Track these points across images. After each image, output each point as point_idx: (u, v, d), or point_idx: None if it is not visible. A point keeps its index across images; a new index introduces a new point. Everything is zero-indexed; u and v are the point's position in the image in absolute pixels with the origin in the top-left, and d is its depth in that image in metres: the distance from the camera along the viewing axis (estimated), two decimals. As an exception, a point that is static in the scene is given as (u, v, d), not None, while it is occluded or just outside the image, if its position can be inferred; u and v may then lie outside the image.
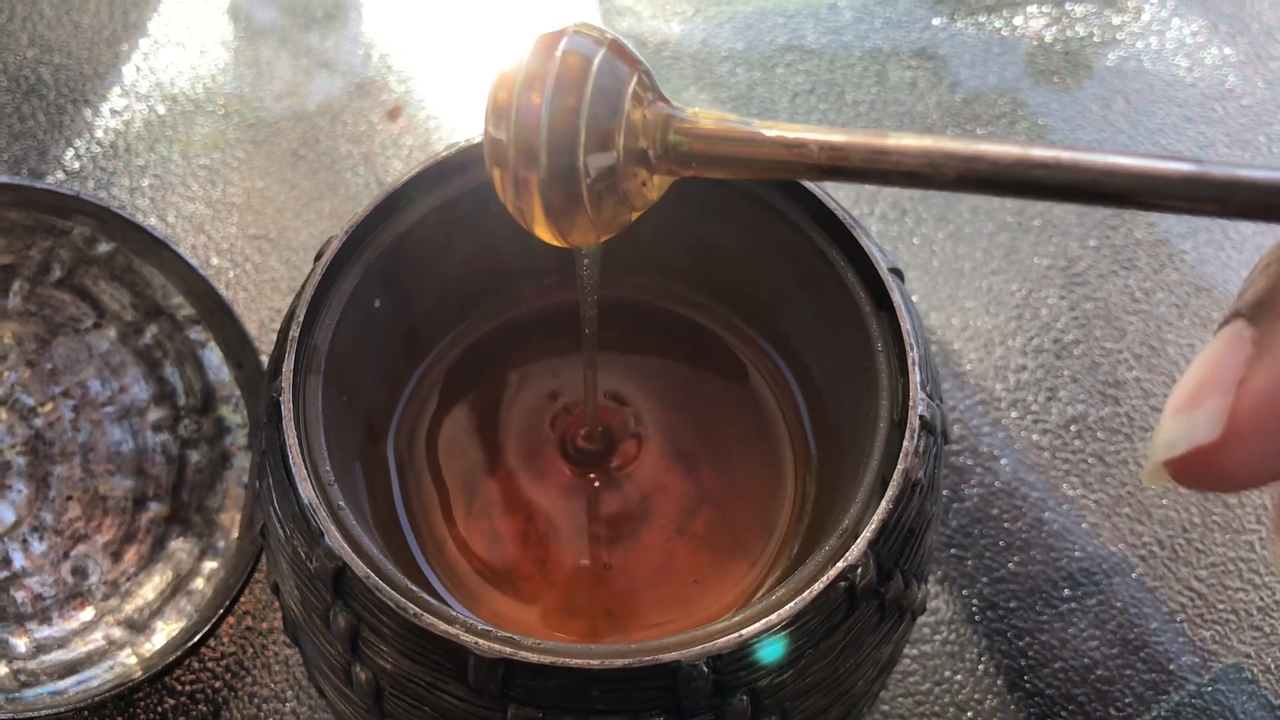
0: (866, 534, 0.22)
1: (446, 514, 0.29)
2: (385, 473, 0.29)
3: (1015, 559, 0.34)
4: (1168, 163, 0.17)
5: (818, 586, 0.22)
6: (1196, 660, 0.33)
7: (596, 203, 0.20)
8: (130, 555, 0.32)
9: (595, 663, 0.21)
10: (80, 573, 0.32)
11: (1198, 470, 0.16)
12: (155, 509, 0.33)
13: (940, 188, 0.18)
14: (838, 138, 0.19)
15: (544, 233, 0.21)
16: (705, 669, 0.21)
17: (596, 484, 0.29)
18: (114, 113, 0.42)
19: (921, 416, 0.24)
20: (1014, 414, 0.37)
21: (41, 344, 0.33)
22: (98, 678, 0.30)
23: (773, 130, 0.19)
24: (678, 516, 0.29)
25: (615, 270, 0.29)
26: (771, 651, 0.22)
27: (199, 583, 0.32)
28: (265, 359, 0.33)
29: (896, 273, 0.26)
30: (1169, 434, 0.16)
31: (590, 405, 0.29)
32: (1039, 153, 0.17)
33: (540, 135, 0.19)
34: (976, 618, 0.34)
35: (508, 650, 0.21)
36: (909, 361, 0.24)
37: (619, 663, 0.21)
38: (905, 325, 0.24)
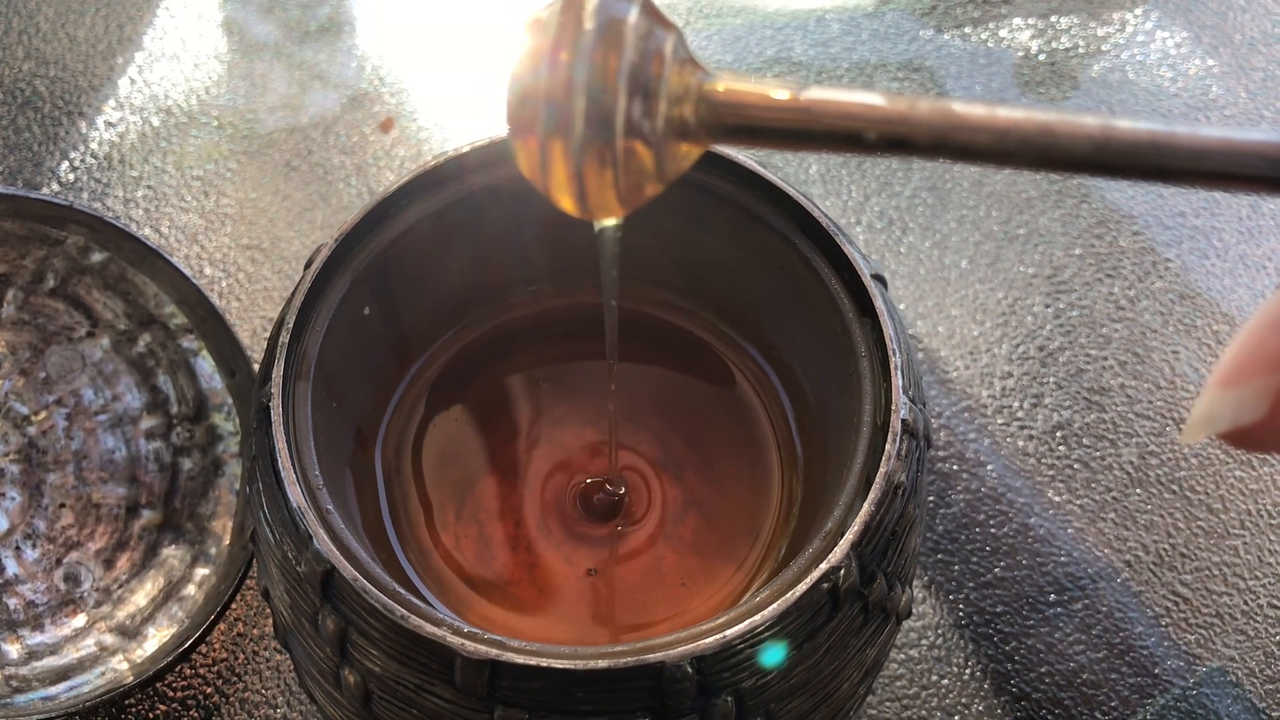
0: (849, 536, 0.23)
1: (435, 519, 0.29)
2: (374, 478, 0.29)
3: (1001, 564, 0.35)
4: (1259, 136, 0.15)
5: (801, 588, 0.22)
6: (1182, 664, 0.33)
7: (629, 173, 0.19)
8: (122, 562, 0.33)
9: (580, 664, 0.21)
10: (73, 579, 0.32)
11: (1237, 440, 0.16)
12: (148, 516, 0.33)
13: (1012, 168, 0.17)
14: (899, 111, 0.17)
15: (566, 203, 0.19)
16: (690, 670, 0.21)
17: (584, 490, 0.29)
18: (109, 125, 0.43)
19: (904, 420, 0.24)
20: (1000, 420, 0.37)
21: (35, 352, 0.33)
22: (89, 683, 0.30)
23: (825, 103, 0.17)
24: (666, 521, 0.29)
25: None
26: (761, 653, 0.22)
27: (191, 589, 0.32)
28: (258, 367, 0.34)
29: (879, 279, 0.26)
30: (1211, 408, 0.16)
31: (613, 459, 0.29)
32: (1120, 136, 0.16)
33: (574, 100, 0.18)
34: (963, 622, 0.34)
35: (494, 652, 0.21)
36: (891, 366, 0.24)
37: (604, 664, 0.21)
38: (888, 331, 0.25)
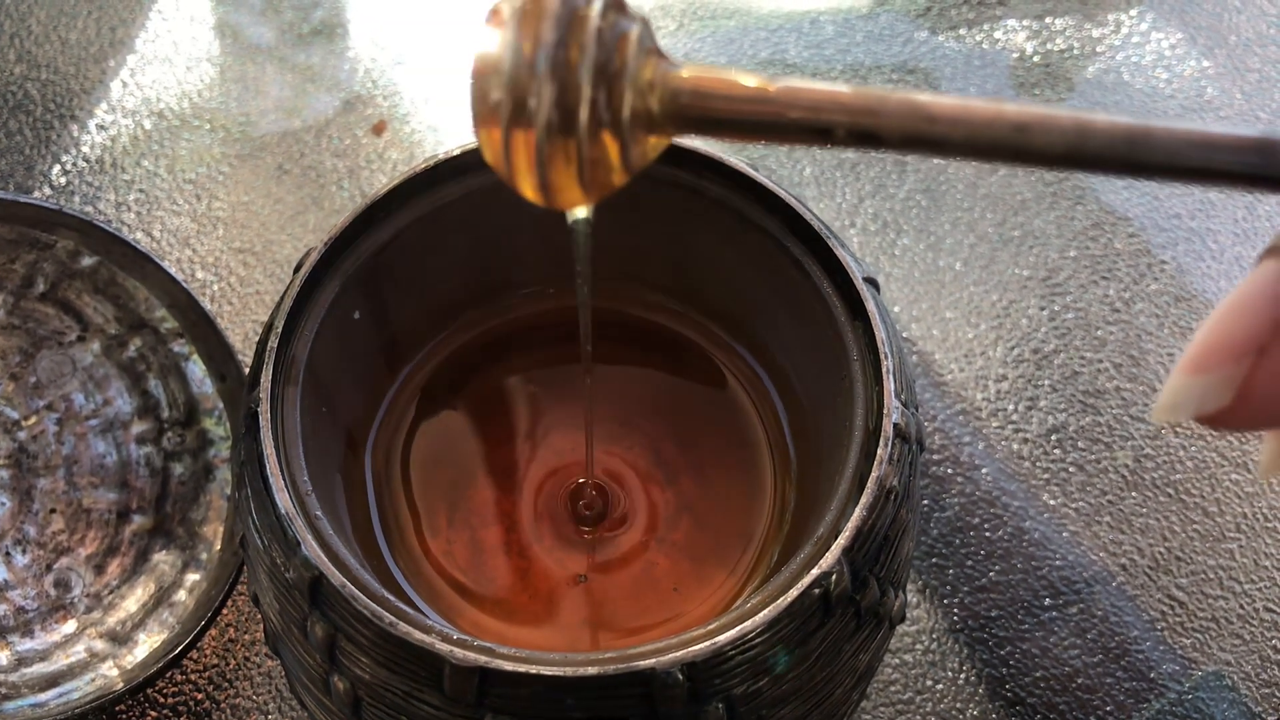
0: (841, 541, 0.22)
1: (426, 525, 0.29)
2: (364, 483, 0.29)
3: (996, 568, 0.34)
4: (1233, 131, 0.15)
5: (792, 593, 0.22)
6: (1177, 668, 0.33)
7: (594, 164, 0.18)
8: (113, 568, 0.32)
9: (570, 670, 0.21)
10: (63, 585, 0.32)
11: (1202, 423, 0.16)
12: (138, 522, 0.33)
13: (987, 162, 0.17)
14: (868, 105, 0.17)
15: (530, 193, 0.19)
16: (680, 676, 0.21)
17: (576, 495, 0.29)
18: (100, 128, 0.43)
19: (896, 424, 0.24)
20: (994, 423, 0.37)
21: (25, 357, 0.33)
22: (79, 690, 0.30)
23: (792, 95, 0.17)
24: (658, 525, 0.29)
25: (593, 280, 0.29)
26: (752, 659, 0.22)
27: (181, 595, 0.32)
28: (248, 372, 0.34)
29: (872, 283, 0.26)
30: (1177, 395, 0.16)
31: (589, 467, 0.29)
32: (1095, 134, 0.16)
33: (537, 92, 0.18)
34: (958, 627, 0.34)
35: (483, 659, 0.21)
36: (884, 370, 0.24)
37: (594, 670, 0.21)
38: (880, 334, 0.25)
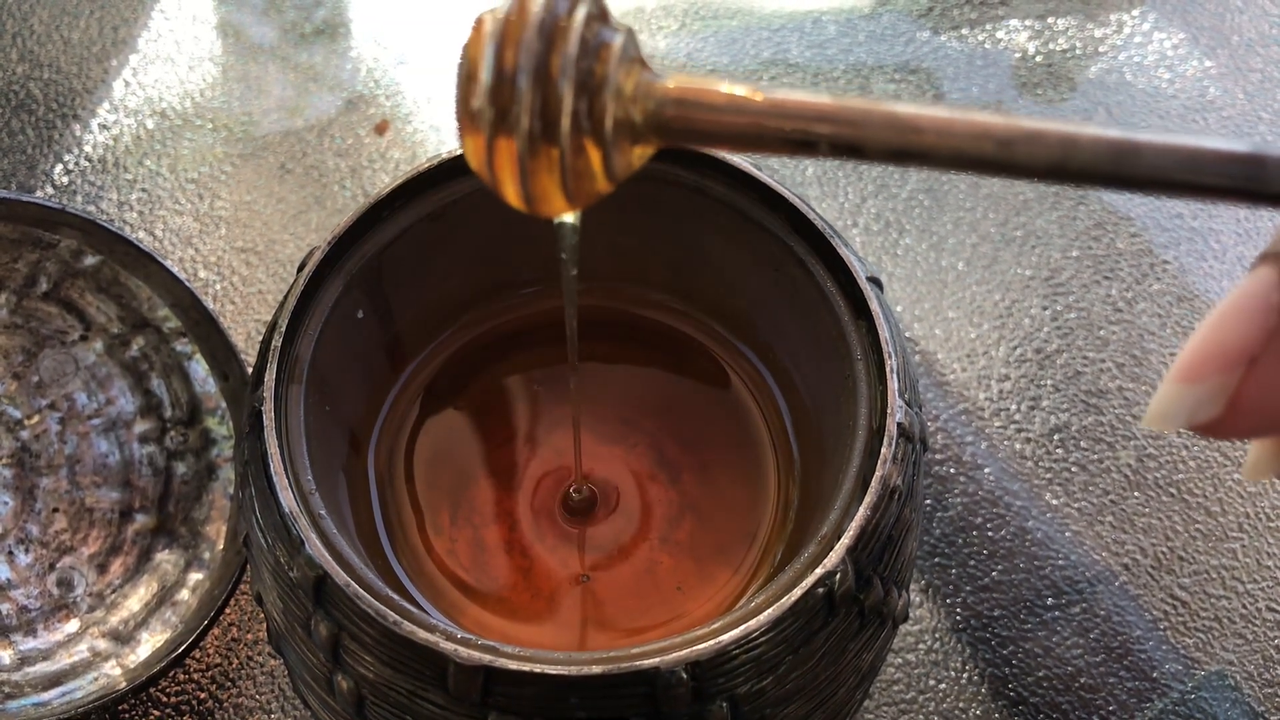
0: (845, 540, 0.22)
1: (429, 524, 0.29)
2: (367, 482, 0.29)
3: (999, 567, 0.34)
4: (1222, 146, 0.15)
5: (796, 593, 0.22)
6: (1180, 668, 0.33)
7: (577, 173, 0.18)
8: (116, 567, 0.32)
9: (574, 670, 0.21)
10: (66, 584, 0.32)
11: (1194, 431, 0.16)
12: (141, 521, 0.33)
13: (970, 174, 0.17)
14: (851, 117, 0.17)
15: (514, 200, 0.19)
16: (684, 675, 0.21)
17: (579, 494, 0.29)
18: (103, 128, 0.43)
19: (900, 424, 0.24)
20: (997, 423, 0.37)
21: (28, 356, 0.33)
22: (82, 689, 0.30)
23: (776, 107, 0.17)
24: (661, 525, 0.29)
25: (596, 279, 0.29)
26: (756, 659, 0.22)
27: (184, 594, 0.32)
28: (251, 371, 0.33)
29: (875, 282, 0.26)
30: (1168, 404, 0.15)
31: (577, 464, 0.29)
32: (1081, 150, 0.16)
33: (519, 100, 0.18)
34: (960, 626, 0.34)
35: (487, 658, 0.21)
36: (887, 370, 0.24)
37: (598, 670, 0.21)
38: (883, 334, 0.25)
